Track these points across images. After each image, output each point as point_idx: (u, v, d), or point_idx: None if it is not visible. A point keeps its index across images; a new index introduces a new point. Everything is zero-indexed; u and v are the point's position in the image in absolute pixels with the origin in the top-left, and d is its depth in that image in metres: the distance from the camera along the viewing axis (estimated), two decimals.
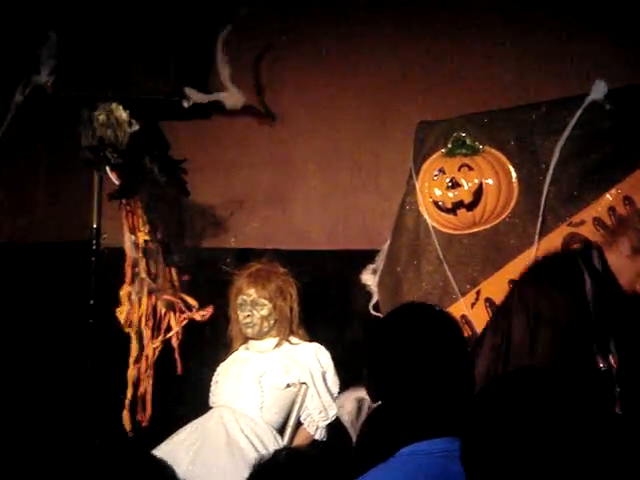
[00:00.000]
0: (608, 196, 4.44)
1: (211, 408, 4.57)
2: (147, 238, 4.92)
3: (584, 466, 1.76)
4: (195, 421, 4.51)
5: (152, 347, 4.92)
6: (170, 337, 4.92)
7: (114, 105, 4.79)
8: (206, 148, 5.31)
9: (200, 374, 4.83)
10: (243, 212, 5.32)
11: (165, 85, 5.00)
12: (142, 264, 4.90)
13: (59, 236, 5.24)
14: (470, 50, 4.98)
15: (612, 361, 3.66)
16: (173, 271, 4.96)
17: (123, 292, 4.91)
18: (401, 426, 2.36)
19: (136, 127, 4.81)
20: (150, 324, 4.94)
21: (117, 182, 4.85)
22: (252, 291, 4.54)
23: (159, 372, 4.97)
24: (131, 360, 4.89)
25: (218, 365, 4.70)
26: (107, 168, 4.82)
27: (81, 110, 4.76)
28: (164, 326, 4.95)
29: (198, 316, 4.88)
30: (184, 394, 4.96)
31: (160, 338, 4.93)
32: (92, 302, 5.12)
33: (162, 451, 4.20)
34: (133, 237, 4.92)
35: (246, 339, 4.64)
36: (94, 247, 5.19)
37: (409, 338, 2.40)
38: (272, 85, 5.07)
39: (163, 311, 4.94)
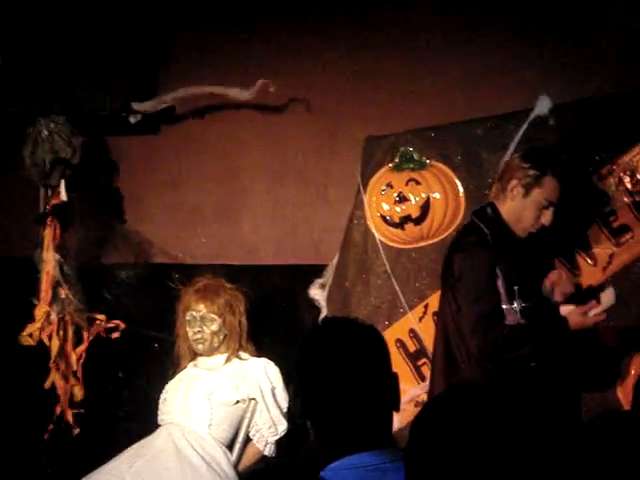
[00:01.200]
0: None
1: (159, 426, 4.51)
2: (64, 259, 4.94)
3: None
4: (143, 440, 4.44)
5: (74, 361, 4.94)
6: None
7: (62, 120, 4.83)
8: (154, 163, 5.35)
9: (146, 393, 4.86)
10: (191, 227, 5.33)
11: (112, 100, 5.03)
12: (64, 284, 4.88)
13: (6, 252, 5.24)
14: (417, 66, 5.04)
15: (516, 304, 3.95)
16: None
17: (40, 311, 4.88)
18: (327, 442, 2.31)
19: (80, 141, 4.86)
20: (68, 343, 4.96)
21: (65, 198, 4.84)
22: (201, 307, 4.48)
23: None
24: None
25: (165, 383, 4.64)
26: (62, 182, 4.84)
27: (30, 125, 4.77)
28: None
29: (104, 331, 4.97)
30: (130, 412, 5.02)
31: (77, 355, 4.95)
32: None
33: (106, 468, 4.22)
34: (58, 256, 4.90)
35: (194, 356, 4.58)
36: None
37: (330, 354, 2.34)
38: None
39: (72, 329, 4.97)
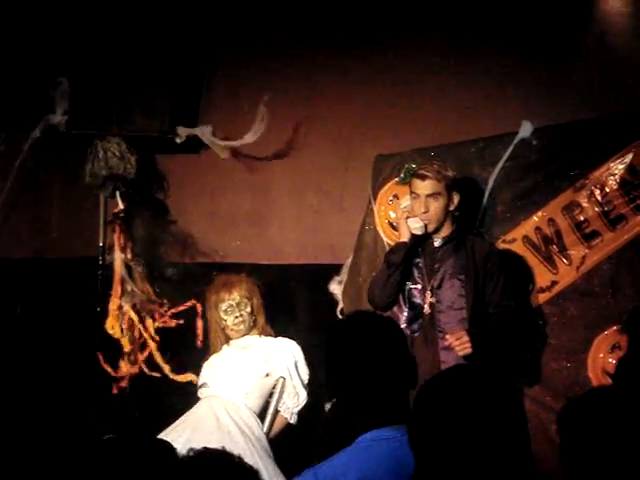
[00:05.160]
0: (535, 218, 4.62)
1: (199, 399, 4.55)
2: (131, 256, 5.02)
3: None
4: (187, 412, 4.49)
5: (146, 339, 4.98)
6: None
7: (120, 140, 4.90)
8: (195, 178, 5.36)
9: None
10: (227, 232, 5.37)
11: (160, 124, 5.06)
12: (129, 280, 4.96)
13: (71, 253, 5.28)
14: (419, 94, 5.11)
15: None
16: (147, 284, 5.07)
17: (113, 305, 4.94)
18: (357, 417, 2.41)
19: (135, 158, 4.92)
20: (136, 328, 5.04)
21: (122, 206, 4.91)
22: (235, 294, 4.58)
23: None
24: (125, 359, 4.98)
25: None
26: (117, 194, 4.90)
27: (92, 143, 4.79)
28: (148, 326, 5.05)
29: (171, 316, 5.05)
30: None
31: (148, 334, 4.99)
32: (98, 309, 5.13)
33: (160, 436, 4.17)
34: (123, 255, 4.98)
35: (227, 340, 4.65)
36: (100, 262, 5.18)
37: (358, 343, 2.43)
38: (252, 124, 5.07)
39: (144, 315, 5.04)
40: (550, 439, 4.21)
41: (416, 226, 4.28)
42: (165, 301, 5.06)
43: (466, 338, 4.05)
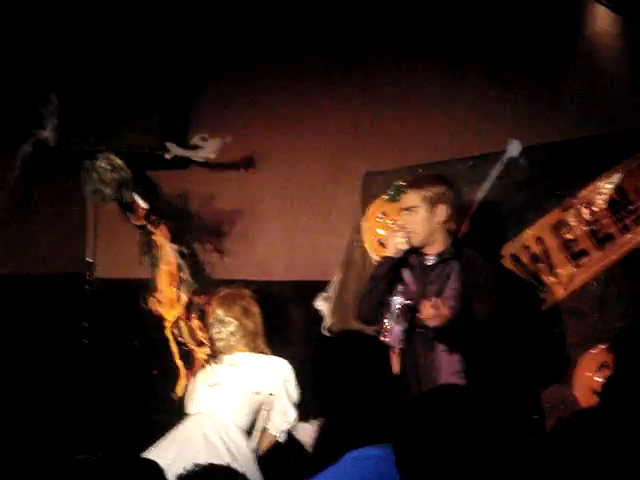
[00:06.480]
0: (523, 236, 4.58)
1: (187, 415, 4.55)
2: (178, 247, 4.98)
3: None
4: (175, 428, 4.48)
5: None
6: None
7: (108, 155, 4.87)
8: (184, 194, 5.32)
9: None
10: (214, 248, 5.31)
11: (150, 140, 5.06)
12: (185, 268, 4.94)
13: (58, 268, 5.29)
14: (408, 113, 5.12)
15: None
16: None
17: (173, 295, 4.92)
18: (343, 435, 2.41)
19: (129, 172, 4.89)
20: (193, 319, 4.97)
21: (146, 205, 4.92)
22: (220, 312, 4.65)
23: None
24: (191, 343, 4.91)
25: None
26: (135, 196, 4.89)
27: (82, 165, 4.80)
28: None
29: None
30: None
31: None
32: (86, 325, 5.15)
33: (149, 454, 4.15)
34: (175, 246, 4.96)
35: (218, 354, 4.69)
36: (88, 278, 5.22)
37: (344, 362, 2.43)
38: (243, 142, 5.17)
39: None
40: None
41: (398, 240, 4.08)
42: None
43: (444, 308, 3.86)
